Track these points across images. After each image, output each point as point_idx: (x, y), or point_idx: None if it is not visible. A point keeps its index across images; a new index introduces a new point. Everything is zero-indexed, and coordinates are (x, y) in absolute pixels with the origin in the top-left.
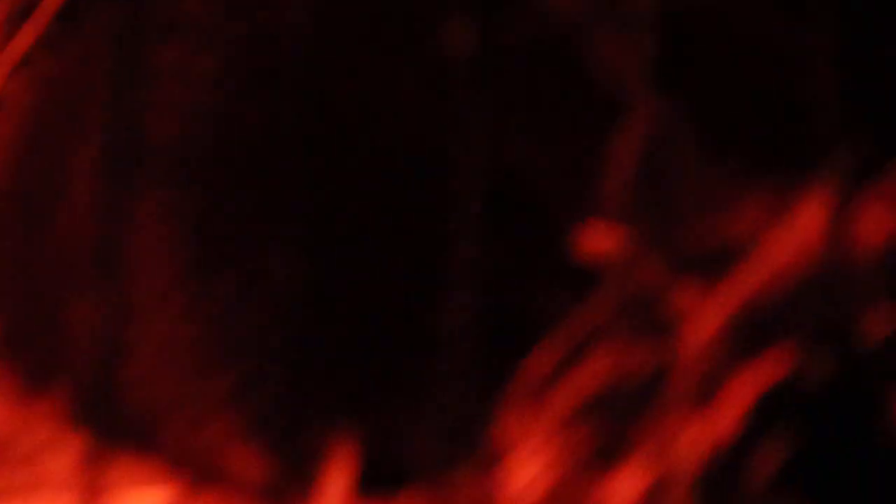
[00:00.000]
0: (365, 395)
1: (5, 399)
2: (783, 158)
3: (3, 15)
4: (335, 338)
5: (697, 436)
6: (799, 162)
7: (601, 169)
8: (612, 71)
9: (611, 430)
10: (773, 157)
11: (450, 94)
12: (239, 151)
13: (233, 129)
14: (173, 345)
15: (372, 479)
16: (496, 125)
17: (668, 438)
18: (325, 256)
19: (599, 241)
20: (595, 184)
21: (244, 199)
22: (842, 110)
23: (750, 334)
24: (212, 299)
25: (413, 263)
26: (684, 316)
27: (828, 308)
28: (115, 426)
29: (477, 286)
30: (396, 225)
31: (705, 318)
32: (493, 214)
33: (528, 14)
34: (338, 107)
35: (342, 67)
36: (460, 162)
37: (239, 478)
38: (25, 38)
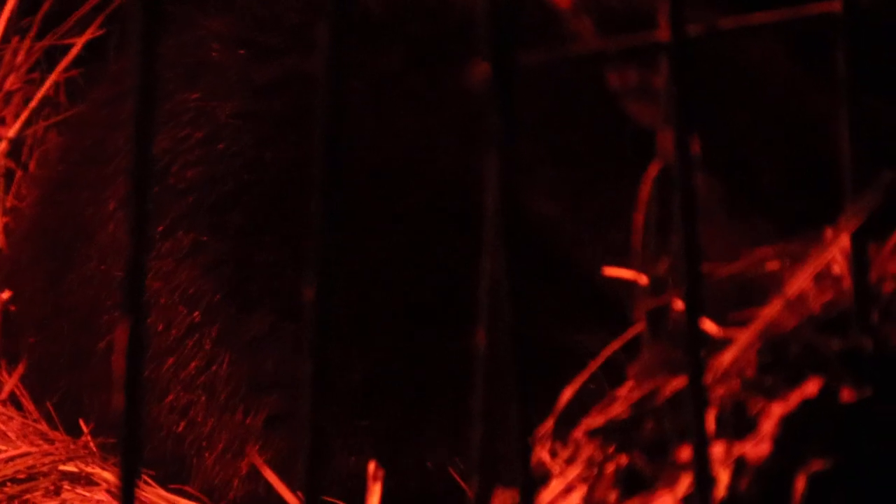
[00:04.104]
0: (397, 429)
1: (32, 437)
2: (807, 205)
3: (29, 63)
4: (367, 370)
5: (732, 461)
6: (822, 206)
7: (627, 213)
8: (640, 111)
9: (646, 459)
10: (796, 206)
11: (475, 135)
12: (263, 194)
13: (256, 172)
14: (205, 380)
15: None
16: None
17: (703, 464)
18: (354, 293)
19: (626, 282)
20: (621, 227)
21: (270, 238)
22: (860, 165)
23: (780, 364)
24: (243, 335)
25: (445, 299)
26: (716, 349)
27: (853, 336)
28: (148, 463)
29: (509, 323)
30: (426, 261)
31: (736, 351)
32: (523, 259)
33: (552, 52)
34: (363, 150)
35: (368, 111)
36: (488, 205)
37: None
38: (53, 84)
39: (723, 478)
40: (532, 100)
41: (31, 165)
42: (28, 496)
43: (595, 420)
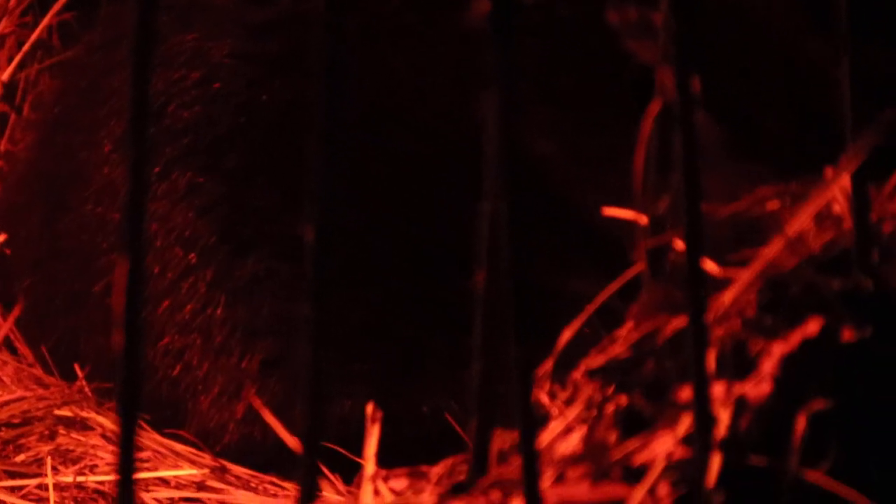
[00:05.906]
0: (392, 374)
1: (27, 382)
2: (807, 150)
3: (22, 6)
4: (363, 315)
5: (732, 401)
6: (822, 151)
7: (625, 157)
8: (640, 48)
9: (646, 399)
10: (796, 150)
11: (472, 75)
12: (258, 135)
13: (252, 113)
14: (201, 323)
15: (403, 452)
16: (522, 117)
17: (703, 404)
18: (351, 236)
19: (625, 224)
20: (618, 171)
21: (266, 180)
22: (860, 106)
23: (781, 304)
24: (238, 278)
25: (441, 242)
26: (716, 289)
27: (854, 276)
28: (143, 406)
29: (508, 263)
30: (422, 203)
31: (736, 290)
32: (522, 202)
33: None
34: (359, 90)
35: (362, 52)
36: (487, 149)
37: (265, 453)
38: (46, 27)
39: (723, 418)
40: (529, 39)
41: (25, 109)
42: (23, 441)
43: (594, 360)
